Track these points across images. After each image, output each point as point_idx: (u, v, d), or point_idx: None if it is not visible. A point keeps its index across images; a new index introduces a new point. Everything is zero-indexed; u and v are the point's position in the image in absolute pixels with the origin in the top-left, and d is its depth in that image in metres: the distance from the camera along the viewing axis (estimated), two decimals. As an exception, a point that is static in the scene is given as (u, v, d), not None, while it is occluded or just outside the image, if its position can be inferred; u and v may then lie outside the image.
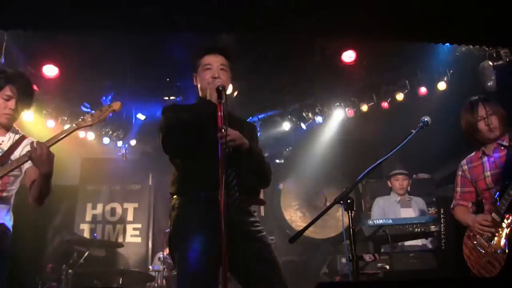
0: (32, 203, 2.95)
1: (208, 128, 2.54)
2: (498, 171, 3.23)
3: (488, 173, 3.28)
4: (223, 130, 2.38)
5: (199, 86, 2.88)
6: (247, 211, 2.71)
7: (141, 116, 6.86)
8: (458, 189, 3.51)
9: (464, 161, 3.52)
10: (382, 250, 4.80)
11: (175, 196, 2.73)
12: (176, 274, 2.64)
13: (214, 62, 2.81)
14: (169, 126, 2.67)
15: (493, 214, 3.13)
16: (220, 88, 2.52)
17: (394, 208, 5.29)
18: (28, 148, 2.91)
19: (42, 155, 2.70)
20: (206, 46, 2.91)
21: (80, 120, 2.90)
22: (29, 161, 2.83)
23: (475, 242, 3.24)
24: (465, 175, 3.46)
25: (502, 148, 3.28)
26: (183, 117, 2.71)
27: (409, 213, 5.28)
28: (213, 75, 2.75)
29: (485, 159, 3.34)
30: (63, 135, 2.83)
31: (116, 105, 2.93)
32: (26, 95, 3.01)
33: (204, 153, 2.55)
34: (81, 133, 6.88)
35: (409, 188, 5.77)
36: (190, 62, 2.95)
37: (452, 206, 3.54)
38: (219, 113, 2.42)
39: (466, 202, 3.45)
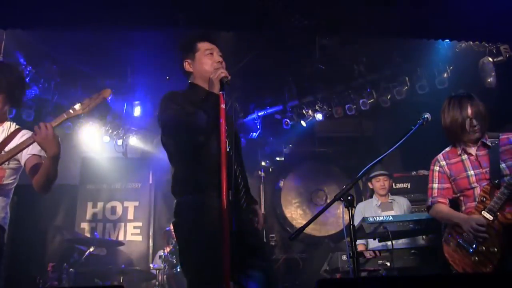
0: (39, 190, 2.89)
1: (213, 127, 2.47)
2: (481, 170, 3.22)
3: (472, 172, 3.25)
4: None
5: (196, 71, 2.77)
6: (250, 209, 2.73)
7: (140, 115, 6.86)
8: (436, 185, 3.43)
9: (440, 157, 3.46)
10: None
11: (186, 196, 2.58)
12: (188, 272, 2.51)
13: (214, 50, 2.76)
14: (181, 123, 2.52)
15: (484, 213, 3.11)
16: (224, 82, 2.49)
17: (374, 212, 5.28)
18: (24, 139, 2.90)
19: (48, 135, 2.68)
20: (202, 32, 2.84)
21: (69, 109, 2.84)
22: (28, 151, 2.83)
23: (459, 240, 3.20)
24: (444, 170, 3.40)
25: (484, 146, 3.28)
26: (191, 112, 2.53)
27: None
28: (216, 60, 2.69)
29: (465, 156, 3.31)
30: (54, 125, 2.77)
31: (106, 93, 2.85)
32: (14, 87, 2.95)
33: (211, 151, 2.49)
34: (81, 132, 6.88)
35: (409, 186, 5.76)
36: (182, 47, 2.83)
37: (429, 203, 3.45)
38: (222, 106, 2.39)
39: (445, 199, 3.40)
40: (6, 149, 2.90)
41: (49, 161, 2.78)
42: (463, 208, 3.32)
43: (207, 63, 2.70)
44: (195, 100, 2.61)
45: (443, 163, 3.42)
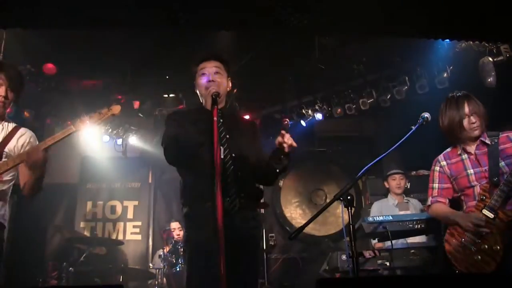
0: (24, 194, 2.99)
1: (206, 138, 2.59)
2: (481, 168, 3.23)
3: (471, 171, 3.26)
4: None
5: (198, 93, 2.96)
6: (249, 217, 2.77)
7: (140, 114, 6.86)
8: (436, 185, 3.45)
9: (441, 157, 3.48)
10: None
11: (182, 208, 2.81)
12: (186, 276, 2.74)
13: (209, 67, 2.89)
14: (169, 138, 2.75)
15: (484, 211, 3.11)
16: (213, 96, 2.64)
17: (392, 211, 5.29)
18: (22, 139, 2.94)
19: (37, 161, 2.75)
20: (200, 54, 2.98)
21: (78, 121, 2.90)
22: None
23: (462, 239, 3.20)
24: (444, 171, 3.42)
25: (483, 145, 3.29)
26: (183, 128, 2.77)
27: (407, 216, 5.27)
28: (208, 79, 2.84)
29: (465, 156, 3.32)
30: (61, 137, 2.83)
31: (116, 109, 2.94)
32: (15, 82, 2.97)
33: (204, 163, 2.61)
34: (81, 131, 6.87)
35: (408, 185, 5.77)
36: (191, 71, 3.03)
37: (429, 203, 3.48)
38: (215, 118, 2.51)
39: (444, 199, 3.41)
40: (6, 149, 2.91)
41: (32, 181, 2.88)
42: (464, 207, 3.33)
43: (200, 83, 2.89)
44: (193, 117, 2.86)
45: (444, 163, 3.44)
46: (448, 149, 3.49)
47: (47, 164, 2.91)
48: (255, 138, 3.04)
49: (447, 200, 3.42)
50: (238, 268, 2.58)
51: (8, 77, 2.91)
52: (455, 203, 3.45)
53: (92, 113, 2.93)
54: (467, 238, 3.18)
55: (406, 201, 5.47)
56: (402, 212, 5.23)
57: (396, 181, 5.46)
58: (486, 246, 3.08)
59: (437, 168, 3.48)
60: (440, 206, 3.42)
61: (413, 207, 5.40)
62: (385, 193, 5.79)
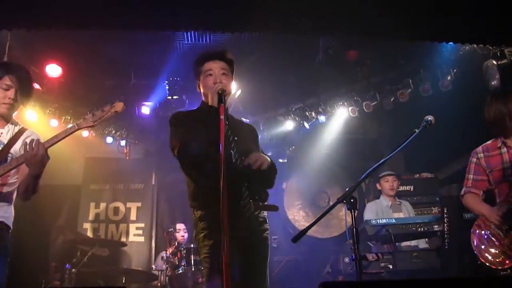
0: (18, 196, 2.96)
1: (216, 137, 2.54)
2: None
3: (508, 165, 3.29)
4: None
5: (202, 92, 2.93)
6: (261, 219, 2.86)
7: (144, 115, 6.86)
8: (471, 176, 3.51)
9: (480, 149, 3.52)
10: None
11: (195, 211, 2.80)
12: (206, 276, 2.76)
13: (215, 68, 2.86)
14: (179, 140, 2.71)
15: None
16: (220, 92, 2.60)
17: (387, 213, 5.29)
18: (28, 141, 2.92)
19: (36, 155, 2.70)
20: (206, 52, 2.95)
21: (81, 120, 2.87)
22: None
23: (488, 232, 3.24)
24: (480, 163, 3.46)
25: None
26: (191, 128, 2.75)
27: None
28: (215, 80, 2.80)
29: (504, 149, 3.36)
30: (64, 136, 2.80)
31: (119, 106, 2.88)
32: (25, 85, 2.97)
33: (215, 165, 2.52)
34: (84, 133, 6.89)
35: (412, 188, 5.76)
36: (193, 69, 3.00)
37: (462, 193, 3.54)
38: (221, 116, 2.47)
39: (478, 190, 3.46)
40: (12, 151, 2.91)
41: (29, 178, 2.83)
42: (498, 200, 3.37)
43: (206, 84, 2.85)
44: (200, 116, 2.81)
45: (481, 155, 3.48)
46: (489, 142, 3.51)
47: (51, 165, 2.90)
48: (257, 141, 3.04)
49: (481, 192, 3.45)
50: (252, 270, 2.60)
51: (18, 80, 2.91)
52: (489, 196, 3.46)
53: (95, 111, 2.90)
54: (492, 231, 3.21)
55: (398, 203, 5.48)
56: (395, 214, 5.24)
57: (389, 183, 5.47)
58: (510, 241, 3.10)
59: (474, 159, 3.52)
60: (472, 197, 3.46)
61: (406, 209, 5.41)
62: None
